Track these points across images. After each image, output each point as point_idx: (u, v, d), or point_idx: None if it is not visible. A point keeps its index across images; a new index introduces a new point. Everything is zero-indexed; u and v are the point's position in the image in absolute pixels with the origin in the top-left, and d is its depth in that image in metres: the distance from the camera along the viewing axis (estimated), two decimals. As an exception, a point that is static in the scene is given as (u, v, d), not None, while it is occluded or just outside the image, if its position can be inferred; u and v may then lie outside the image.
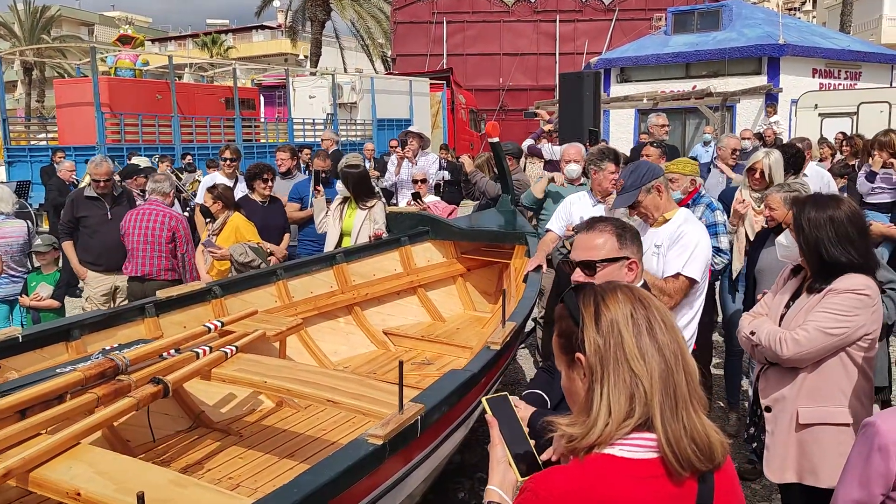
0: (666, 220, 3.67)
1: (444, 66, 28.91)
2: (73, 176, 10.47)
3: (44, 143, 16.65)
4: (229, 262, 5.85)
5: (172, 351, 3.93)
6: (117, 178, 7.27)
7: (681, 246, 3.56)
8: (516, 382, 6.22)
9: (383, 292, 6.30)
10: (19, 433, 2.95)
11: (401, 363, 2.87)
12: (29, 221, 7.02)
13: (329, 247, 6.41)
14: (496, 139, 6.75)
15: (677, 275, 3.51)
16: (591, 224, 2.64)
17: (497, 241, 6.57)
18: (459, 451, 4.30)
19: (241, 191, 7.65)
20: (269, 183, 6.66)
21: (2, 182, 13.10)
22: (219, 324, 4.39)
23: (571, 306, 1.49)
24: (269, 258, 6.07)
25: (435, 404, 3.06)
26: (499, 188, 7.70)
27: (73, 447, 2.94)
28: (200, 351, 3.89)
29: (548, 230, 5.17)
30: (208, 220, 6.06)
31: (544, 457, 1.67)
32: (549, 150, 9.54)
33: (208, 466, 3.89)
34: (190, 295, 4.90)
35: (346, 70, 32.17)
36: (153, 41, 56.88)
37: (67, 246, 6.54)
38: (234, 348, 4.04)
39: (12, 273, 6.29)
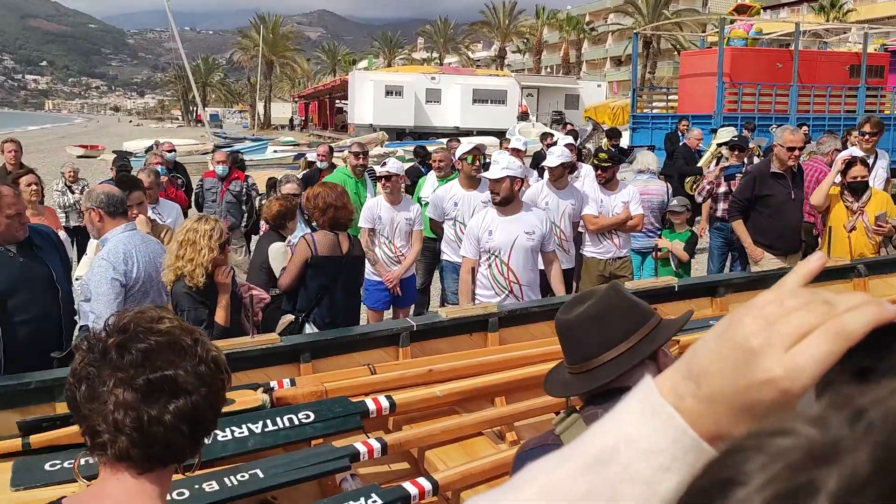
0: None
1: None
2: (700, 144, 11.00)
3: (664, 111, 17.97)
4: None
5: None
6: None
7: None
8: None
9: None
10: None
11: None
12: (668, 184, 7.70)
13: None
14: None
15: None
16: None
17: None
18: None
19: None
20: None
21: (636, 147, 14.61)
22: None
23: None
24: None
25: None
26: None
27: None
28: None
29: None
30: None
31: None
32: None
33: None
34: (832, 270, 4.76)
35: None
36: (765, 9, 55.91)
37: (738, 224, 6.12)
38: None
39: (649, 229, 7.01)
